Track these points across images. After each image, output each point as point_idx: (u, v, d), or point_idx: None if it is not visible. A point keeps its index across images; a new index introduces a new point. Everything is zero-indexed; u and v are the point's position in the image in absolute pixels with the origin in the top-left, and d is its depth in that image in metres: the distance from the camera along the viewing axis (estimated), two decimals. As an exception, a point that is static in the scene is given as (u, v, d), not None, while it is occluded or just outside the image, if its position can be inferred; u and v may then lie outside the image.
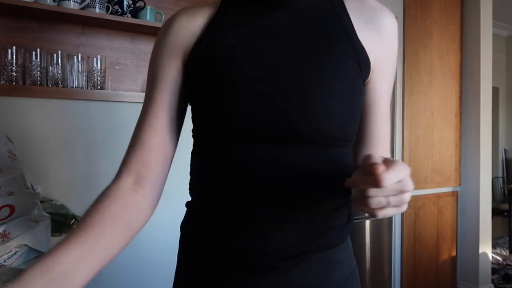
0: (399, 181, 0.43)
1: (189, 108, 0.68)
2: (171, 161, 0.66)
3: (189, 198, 0.69)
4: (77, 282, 0.50)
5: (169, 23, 0.66)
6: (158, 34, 0.67)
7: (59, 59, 1.53)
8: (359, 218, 2.39)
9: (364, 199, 0.44)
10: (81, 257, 0.51)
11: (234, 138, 0.58)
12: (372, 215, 0.45)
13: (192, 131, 0.67)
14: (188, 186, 0.68)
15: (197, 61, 0.62)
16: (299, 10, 0.62)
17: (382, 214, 0.45)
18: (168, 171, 0.66)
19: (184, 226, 0.70)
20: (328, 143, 0.59)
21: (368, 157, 0.44)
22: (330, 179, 0.59)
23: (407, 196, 0.44)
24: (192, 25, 0.64)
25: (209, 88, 0.59)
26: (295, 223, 0.58)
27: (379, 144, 0.67)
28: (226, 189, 0.60)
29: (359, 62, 0.61)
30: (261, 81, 0.58)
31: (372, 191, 0.43)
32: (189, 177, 0.68)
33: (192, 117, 0.65)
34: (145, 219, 0.62)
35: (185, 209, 0.70)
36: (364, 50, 0.62)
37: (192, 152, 0.68)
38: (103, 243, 0.54)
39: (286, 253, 0.58)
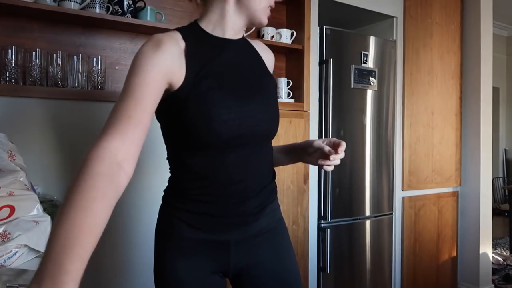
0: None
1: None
2: None
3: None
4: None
5: (161, 47, 0.77)
6: (150, 51, 0.77)
7: (59, 59, 1.53)
8: (359, 219, 2.39)
9: (328, 160, 0.92)
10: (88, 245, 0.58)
11: (219, 146, 0.84)
12: (326, 168, 0.94)
13: (169, 140, 0.89)
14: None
15: (182, 97, 0.80)
16: (239, 50, 0.91)
17: (331, 167, 0.94)
18: None
19: (168, 199, 0.92)
20: (272, 139, 0.96)
21: (333, 140, 0.95)
22: (271, 161, 0.98)
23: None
24: (177, 56, 0.80)
25: (198, 114, 0.80)
26: (259, 193, 0.92)
27: None
28: (216, 179, 0.86)
29: (274, 85, 0.97)
30: (235, 110, 0.83)
31: (337, 157, 0.92)
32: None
33: (172, 132, 0.86)
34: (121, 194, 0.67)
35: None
36: (273, 77, 0.99)
37: (175, 156, 0.90)
38: (98, 227, 0.59)
39: (255, 211, 0.92)
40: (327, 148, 0.93)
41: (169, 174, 0.94)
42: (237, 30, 0.91)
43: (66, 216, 0.56)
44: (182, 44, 0.82)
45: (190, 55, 0.81)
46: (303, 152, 1.02)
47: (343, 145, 0.92)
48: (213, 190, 0.87)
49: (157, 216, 0.96)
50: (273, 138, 0.95)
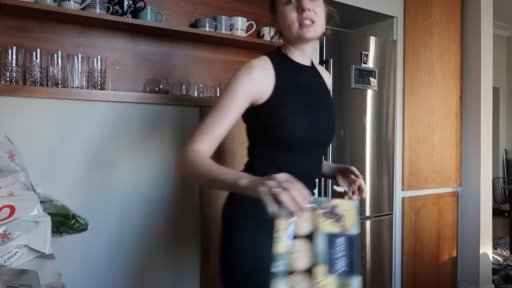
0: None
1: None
2: None
3: None
4: None
5: (253, 72, 1.03)
6: (244, 75, 1.02)
7: (59, 59, 1.53)
8: (359, 219, 2.38)
9: (355, 193, 1.19)
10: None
11: (299, 147, 1.08)
12: (353, 198, 1.19)
13: (255, 138, 1.13)
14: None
15: (271, 107, 1.04)
16: (310, 74, 1.18)
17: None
18: None
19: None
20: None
21: (354, 171, 1.22)
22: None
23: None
24: (265, 78, 1.05)
25: (285, 120, 1.04)
26: (313, 184, 1.16)
27: None
28: (294, 174, 1.03)
29: (332, 103, 1.24)
30: (310, 119, 1.07)
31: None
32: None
33: (259, 133, 1.11)
34: None
35: None
36: (331, 96, 1.27)
37: (259, 151, 1.12)
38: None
39: None
40: (342, 190, 1.22)
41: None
42: (301, 55, 1.13)
43: (209, 170, 0.91)
44: (270, 66, 1.06)
45: (277, 76, 1.05)
46: (331, 175, 1.29)
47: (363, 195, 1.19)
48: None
49: (231, 198, 1.14)
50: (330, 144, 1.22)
